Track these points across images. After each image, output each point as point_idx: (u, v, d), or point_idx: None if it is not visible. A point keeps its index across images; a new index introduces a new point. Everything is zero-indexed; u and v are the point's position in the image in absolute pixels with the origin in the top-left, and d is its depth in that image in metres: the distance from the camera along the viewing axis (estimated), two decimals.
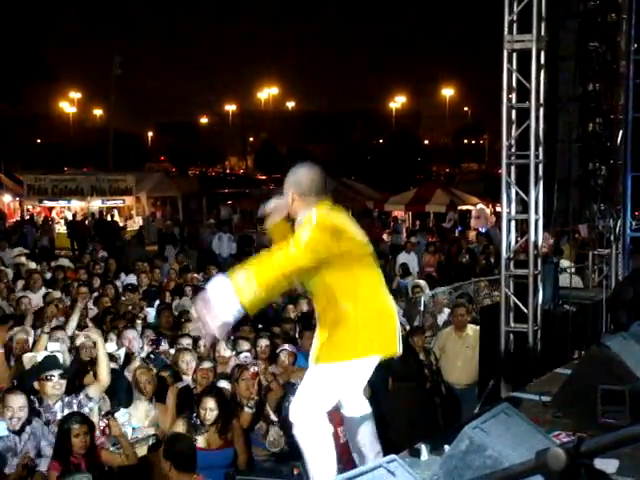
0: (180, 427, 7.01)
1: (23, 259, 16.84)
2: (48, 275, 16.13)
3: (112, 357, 8.99)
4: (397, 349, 4.83)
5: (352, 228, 4.83)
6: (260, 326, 11.27)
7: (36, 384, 7.40)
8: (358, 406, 5.00)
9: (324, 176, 4.91)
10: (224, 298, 4.36)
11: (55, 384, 7.29)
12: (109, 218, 33.74)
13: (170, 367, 8.84)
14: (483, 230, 28.71)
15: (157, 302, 13.20)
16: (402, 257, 19.78)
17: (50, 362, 7.66)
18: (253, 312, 4.53)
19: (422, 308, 13.65)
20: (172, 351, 9.66)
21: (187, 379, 8.55)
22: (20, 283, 14.63)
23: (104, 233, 29.00)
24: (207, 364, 8.40)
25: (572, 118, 10.14)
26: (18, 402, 6.73)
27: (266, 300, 4.60)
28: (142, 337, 10.24)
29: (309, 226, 4.64)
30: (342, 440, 5.80)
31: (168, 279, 15.70)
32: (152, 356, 9.31)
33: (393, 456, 4.21)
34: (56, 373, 7.34)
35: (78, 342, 9.02)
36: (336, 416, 5.04)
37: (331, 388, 4.77)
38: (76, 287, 13.36)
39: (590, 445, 1.65)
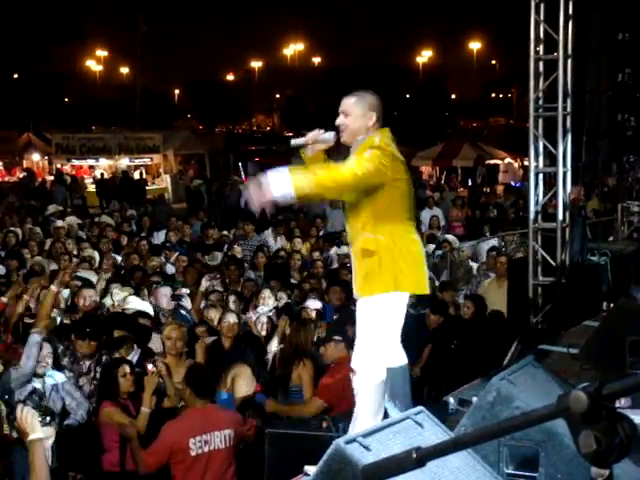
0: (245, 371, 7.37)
1: (60, 222, 16.82)
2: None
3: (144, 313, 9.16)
4: (427, 288, 5.00)
5: (403, 161, 4.98)
6: (293, 281, 11.45)
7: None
8: (397, 357, 5.05)
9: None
10: (279, 177, 4.58)
11: (85, 344, 7.52)
12: (137, 176, 33.83)
13: (205, 322, 8.97)
14: (519, 184, 28.50)
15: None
16: (426, 213, 19.50)
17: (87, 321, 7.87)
18: (300, 202, 4.65)
19: (449, 263, 13.70)
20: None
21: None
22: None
23: (129, 191, 29.08)
24: (232, 318, 8.49)
25: (601, 69, 10.01)
26: (45, 349, 6.95)
27: (316, 199, 4.75)
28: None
29: (371, 147, 4.77)
30: None
31: (204, 236, 15.76)
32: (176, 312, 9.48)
33: (420, 407, 4.23)
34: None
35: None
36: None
37: (382, 323, 4.83)
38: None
39: (612, 388, 1.66)
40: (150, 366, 7.01)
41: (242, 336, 8.46)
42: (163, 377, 7.03)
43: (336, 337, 7.24)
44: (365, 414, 4.88)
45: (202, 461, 6.19)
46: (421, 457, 1.95)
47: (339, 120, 4.97)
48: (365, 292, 4.84)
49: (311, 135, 5.06)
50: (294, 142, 5.15)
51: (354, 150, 4.89)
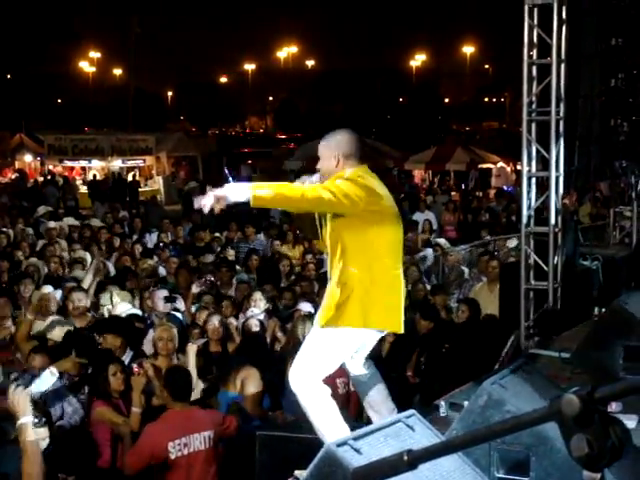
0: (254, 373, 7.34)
1: (52, 224, 16.73)
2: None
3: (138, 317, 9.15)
4: (401, 326, 4.88)
5: (384, 195, 4.88)
6: (283, 285, 11.45)
7: None
8: (363, 366, 5.03)
9: (361, 141, 5.06)
10: (239, 185, 4.73)
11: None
12: (130, 178, 33.76)
13: (198, 324, 8.96)
14: (510, 189, 28.51)
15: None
16: (418, 216, 19.12)
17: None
18: (255, 205, 4.61)
19: (441, 267, 13.72)
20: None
21: None
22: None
23: (122, 193, 29.02)
24: (217, 320, 8.51)
25: (594, 74, 10.01)
26: (40, 362, 6.90)
27: (275, 205, 4.79)
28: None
29: (341, 178, 4.77)
30: (341, 391, 5.92)
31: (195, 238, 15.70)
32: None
33: (412, 411, 4.23)
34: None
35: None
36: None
37: (331, 355, 4.77)
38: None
39: (604, 391, 1.65)
40: (135, 367, 6.98)
41: (247, 338, 8.51)
42: (150, 378, 7.02)
43: None
44: (321, 430, 4.78)
45: (182, 464, 6.13)
46: (412, 460, 1.94)
47: (317, 166, 5.03)
48: (331, 323, 4.72)
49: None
50: None
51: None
